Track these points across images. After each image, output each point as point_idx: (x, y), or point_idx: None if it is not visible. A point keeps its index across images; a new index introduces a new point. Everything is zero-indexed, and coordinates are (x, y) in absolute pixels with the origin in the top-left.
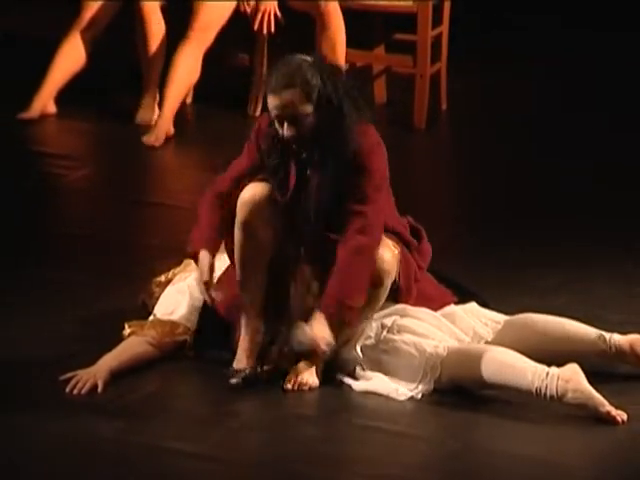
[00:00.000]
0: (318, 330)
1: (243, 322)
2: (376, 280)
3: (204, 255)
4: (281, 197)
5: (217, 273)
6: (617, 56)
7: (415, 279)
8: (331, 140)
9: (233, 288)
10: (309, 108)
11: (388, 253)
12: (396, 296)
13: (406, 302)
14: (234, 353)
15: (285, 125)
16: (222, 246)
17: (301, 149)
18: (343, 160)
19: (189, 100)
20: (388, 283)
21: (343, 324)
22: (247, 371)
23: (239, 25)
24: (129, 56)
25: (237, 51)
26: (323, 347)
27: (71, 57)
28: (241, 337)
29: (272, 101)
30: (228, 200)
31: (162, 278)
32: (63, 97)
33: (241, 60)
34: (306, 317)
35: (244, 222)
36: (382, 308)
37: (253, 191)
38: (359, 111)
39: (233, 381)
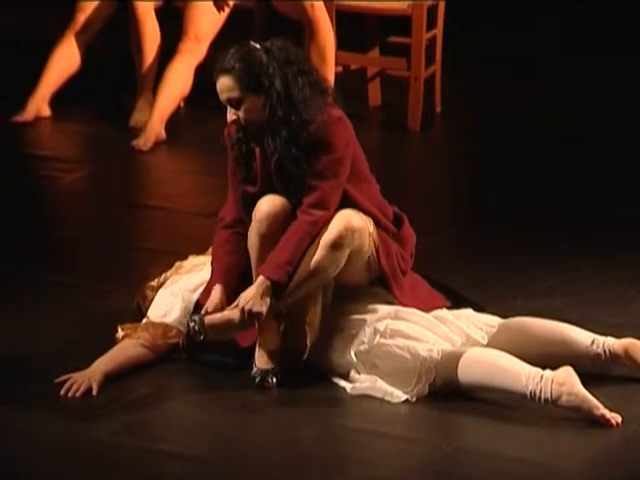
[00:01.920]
0: (248, 292)
1: (262, 325)
2: (339, 240)
3: (217, 288)
4: (252, 188)
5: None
6: (615, 57)
7: (400, 268)
8: (281, 127)
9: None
10: (242, 94)
11: (358, 218)
12: (385, 285)
13: (397, 294)
14: (235, 354)
15: (227, 108)
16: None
17: (251, 135)
18: (298, 143)
19: (182, 103)
20: (351, 244)
21: (282, 291)
22: (277, 371)
23: (233, 28)
24: (124, 58)
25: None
26: (243, 304)
27: (66, 59)
28: (261, 338)
29: (216, 84)
30: (244, 224)
31: (154, 282)
32: (57, 99)
33: None
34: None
35: (263, 235)
36: (374, 311)
37: (270, 203)
38: (314, 98)
39: (268, 382)
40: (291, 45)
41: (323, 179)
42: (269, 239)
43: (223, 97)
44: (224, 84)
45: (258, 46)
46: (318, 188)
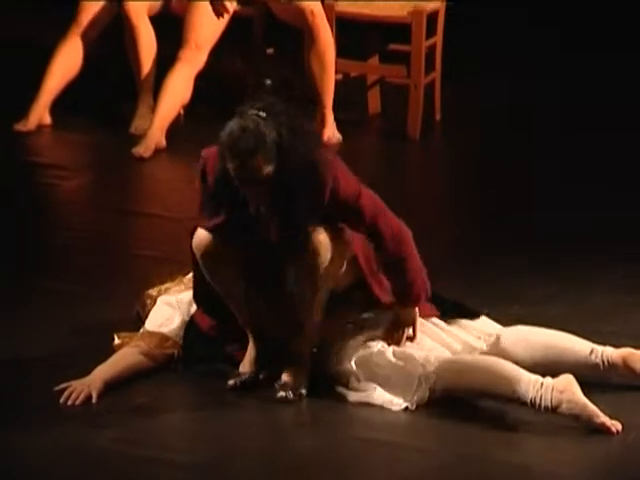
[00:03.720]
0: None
1: (248, 334)
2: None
3: None
4: (243, 239)
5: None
6: (615, 57)
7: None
8: (294, 180)
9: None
10: (270, 168)
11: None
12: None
13: (377, 291)
14: (229, 363)
15: (253, 188)
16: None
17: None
18: (310, 191)
19: (182, 111)
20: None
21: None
22: (247, 375)
23: (233, 35)
24: (123, 65)
25: (231, 61)
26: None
27: (66, 64)
28: (249, 346)
29: (233, 163)
30: None
31: (154, 292)
32: (58, 108)
33: (234, 68)
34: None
35: (204, 265)
36: (373, 319)
37: (200, 237)
38: (316, 146)
39: (231, 382)
40: (279, 102)
41: (356, 202)
42: (208, 268)
43: (247, 175)
44: (252, 165)
45: (262, 114)
46: (360, 210)
